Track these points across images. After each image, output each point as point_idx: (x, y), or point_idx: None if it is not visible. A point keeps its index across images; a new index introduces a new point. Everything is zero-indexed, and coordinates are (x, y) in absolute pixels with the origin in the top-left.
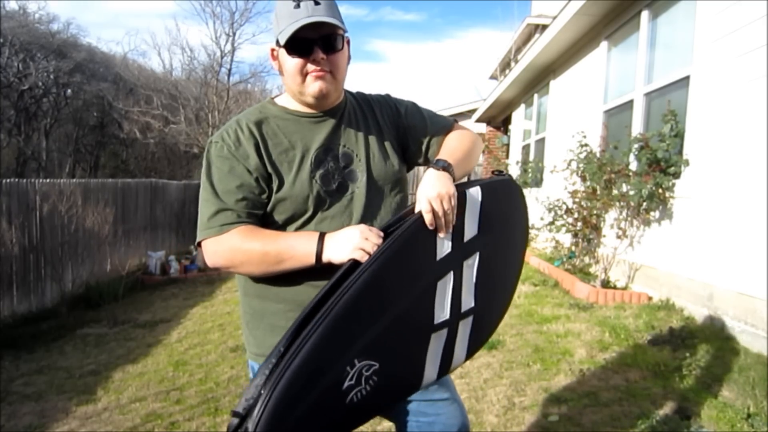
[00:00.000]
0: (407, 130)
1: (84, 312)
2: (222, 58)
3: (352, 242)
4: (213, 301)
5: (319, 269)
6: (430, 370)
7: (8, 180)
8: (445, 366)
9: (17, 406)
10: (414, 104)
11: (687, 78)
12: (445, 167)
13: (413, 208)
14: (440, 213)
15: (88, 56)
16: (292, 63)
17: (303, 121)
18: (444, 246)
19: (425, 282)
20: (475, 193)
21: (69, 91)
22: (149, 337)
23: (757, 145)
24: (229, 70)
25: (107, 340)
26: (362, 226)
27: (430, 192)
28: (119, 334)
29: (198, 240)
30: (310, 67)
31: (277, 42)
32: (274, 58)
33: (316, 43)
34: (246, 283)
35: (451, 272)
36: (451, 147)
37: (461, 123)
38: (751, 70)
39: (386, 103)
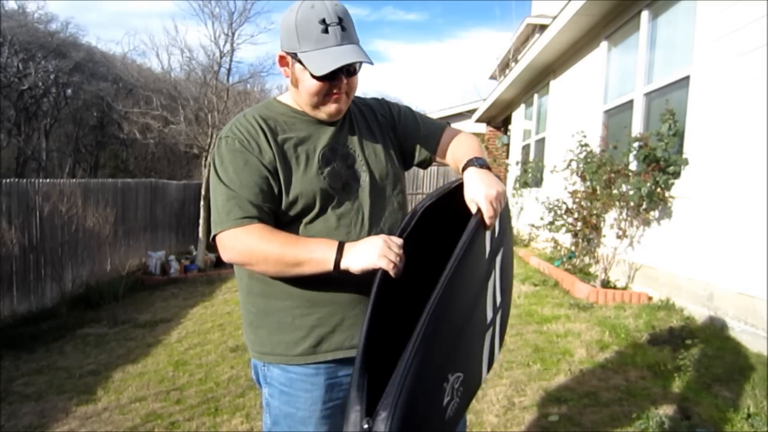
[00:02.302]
0: (401, 132)
1: (84, 312)
2: (221, 58)
3: (375, 251)
4: (213, 301)
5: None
6: (485, 369)
7: (8, 180)
8: (491, 362)
9: (17, 406)
10: (408, 108)
11: (687, 78)
12: (484, 164)
13: (412, 209)
14: (498, 212)
15: (87, 56)
16: (312, 84)
17: (309, 120)
18: (488, 244)
19: (482, 283)
20: None
21: (69, 91)
22: (149, 337)
23: (757, 145)
24: (229, 70)
25: (107, 340)
26: (383, 236)
27: (489, 192)
28: (119, 334)
29: (214, 233)
30: (331, 89)
31: (293, 55)
32: (284, 65)
33: (341, 71)
34: (250, 281)
35: (493, 270)
36: (472, 147)
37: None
38: (751, 70)
39: (381, 106)
